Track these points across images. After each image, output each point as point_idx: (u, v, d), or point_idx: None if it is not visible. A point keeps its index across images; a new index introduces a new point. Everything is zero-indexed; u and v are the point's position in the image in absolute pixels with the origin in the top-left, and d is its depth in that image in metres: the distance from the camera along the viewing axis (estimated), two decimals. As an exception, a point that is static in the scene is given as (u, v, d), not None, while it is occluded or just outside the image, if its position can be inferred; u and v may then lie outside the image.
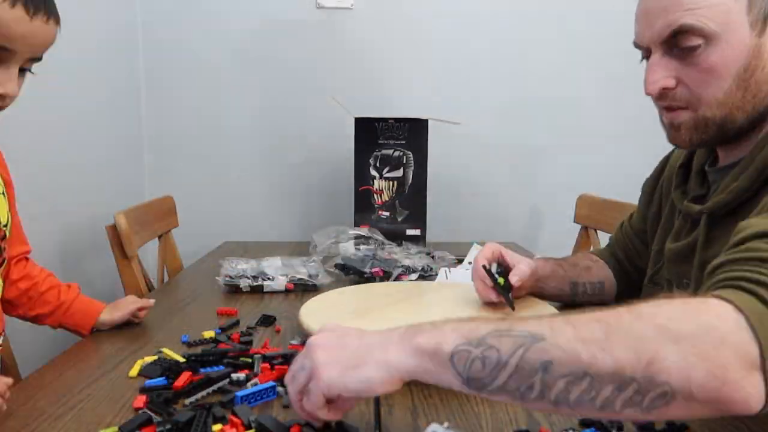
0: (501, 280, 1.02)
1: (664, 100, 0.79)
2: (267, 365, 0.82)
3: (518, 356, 0.53)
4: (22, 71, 0.82)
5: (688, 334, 0.50)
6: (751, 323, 0.50)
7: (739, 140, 0.79)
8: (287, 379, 0.64)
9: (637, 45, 0.82)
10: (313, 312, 0.98)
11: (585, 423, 0.69)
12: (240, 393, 0.72)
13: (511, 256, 1.07)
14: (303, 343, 0.87)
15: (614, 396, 0.51)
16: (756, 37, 0.73)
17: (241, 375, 0.77)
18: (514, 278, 1.02)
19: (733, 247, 0.61)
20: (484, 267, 1.03)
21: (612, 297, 1.12)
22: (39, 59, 0.84)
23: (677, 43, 0.75)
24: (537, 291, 1.09)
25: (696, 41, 0.74)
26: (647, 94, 0.79)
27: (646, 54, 0.80)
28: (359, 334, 0.62)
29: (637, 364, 0.50)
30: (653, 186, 1.03)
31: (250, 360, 0.84)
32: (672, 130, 0.81)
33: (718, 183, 0.82)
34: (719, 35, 0.73)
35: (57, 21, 0.84)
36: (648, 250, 1.02)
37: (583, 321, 0.53)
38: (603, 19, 2.05)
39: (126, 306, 1.07)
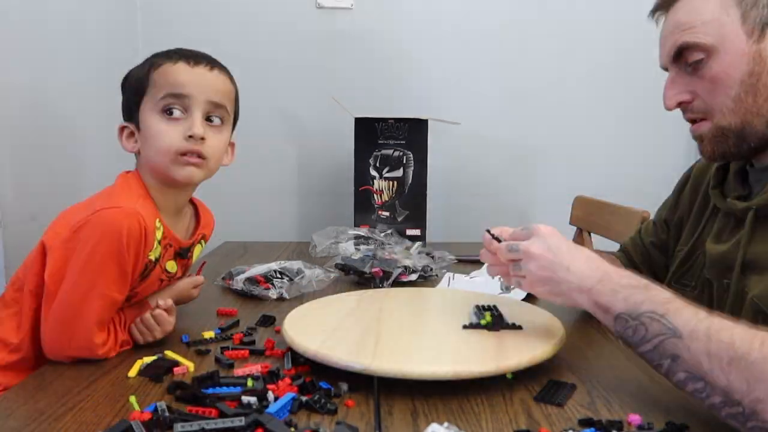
0: (487, 318, 0.91)
1: (685, 113, 0.87)
2: (282, 382, 0.79)
3: (657, 341, 0.67)
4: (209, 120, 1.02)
5: None
6: None
7: (765, 150, 0.83)
8: (504, 249, 0.83)
9: (662, 67, 0.90)
10: (296, 324, 0.94)
11: (585, 423, 0.69)
12: (270, 410, 0.69)
13: None
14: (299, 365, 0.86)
15: (720, 406, 0.62)
16: (755, 44, 0.78)
17: (252, 398, 0.73)
18: None
19: None
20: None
21: None
22: (221, 107, 1.03)
23: (686, 60, 0.84)
24: None
25: (699, 55, 0.81)
26: (666, 109, 0.87)
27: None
28: (565, 266, 0.78)
29: (746, 396, 0.59)
30: (676, 200, 1.06)
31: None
32: (698, 143, 0.87)
33: (762, 182, 0.85)
34: (717, 47, 0.80)
35: (224, 72, 1.04)
36: (665, 259, 1.07)
37: (718, 337, 0.62)
38: (603, 21, 2.05)
39: (178, 289, 1.07)
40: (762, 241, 0.81)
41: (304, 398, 0.73)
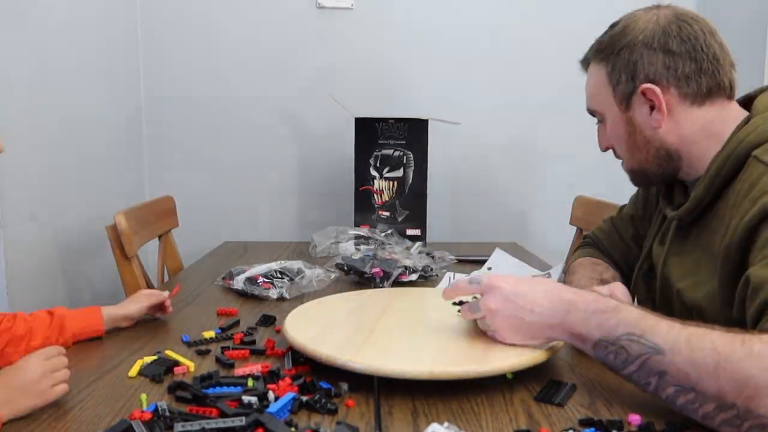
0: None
1: (614, 154, 0.99)
2: (286, 381, 0.79)
3: (641, 361, 0.68)
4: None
5: None
6: None
7: (682, 174, 0.93)
8: (467, 310, 0.85)
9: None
10: (297, 323, 0.94)
11: (585, 423, 0.69)
12: (270, 409, 0.69)
13: None
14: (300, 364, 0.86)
15: (714, 414, 0.63)
16: (624, 112, 0.92)
17: (252, 398, 0.73)
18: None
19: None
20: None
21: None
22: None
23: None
24: None
25: (599, 117, 0.98)
26: (601, 150, 1.02)
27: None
28: (529, 308, 0.78)
29: (738, 396, 0.61)
30: (646, 195, 1.11)
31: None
32: (628, 175, 1.00)
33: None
34: (603, 114, 0.96)
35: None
36: (635, 248, 1.11)
37: (699, 345, 0.64)
38: (604, 21, 2.05)
39: (139, 299, 1.05)
40: (674, 253, 0.92)
41: (304, 398, 0.73)
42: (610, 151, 1.00)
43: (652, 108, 0.89)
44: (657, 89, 0.87)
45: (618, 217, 1.18)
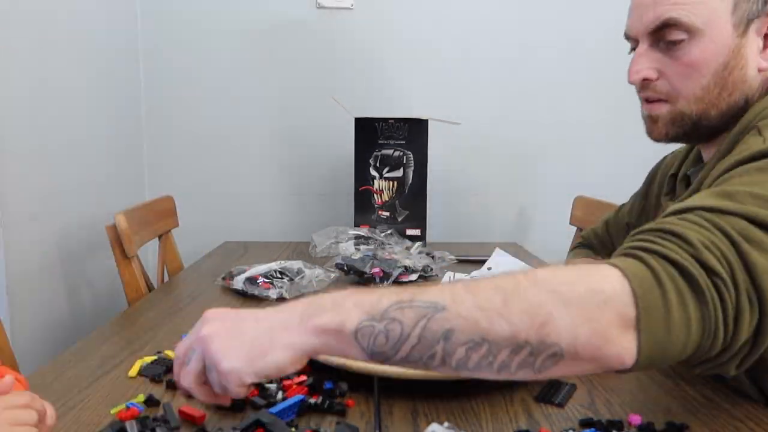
0: None
1: (645, 90, 0.82)
2: (291, 382, 0.78)
3: (420, 327, 0.55)
4: None
5: (576, 298, 0.54)
6: (632, 287, 0.54)
7: (713, 138, 0.81)
8: (176, 370, 0.63)
9: (627, 36, 0.84)
10: None
11: (585, 423, 0.69)
12: (273, 410, 0.69)
13: None
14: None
15: (510, 359, 0.55)
16: (738, 37, 0.75)
17: (272, 386, 0.74)
18: None
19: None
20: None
21: None
22: None
23: (663, 36, 0.78)
24: None
25: (680, 35, 0.76)
26: (630, 82, 0.83)
27: (634, 45, 0.83)
28: (253, 317, 0.61)
29: (531, 328, 0.54)
30: (642, 198, 1.06)
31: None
32: (650, 122, 0.84)
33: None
34: (703, 31, 0.75)
35: None
36: None
37: (483, 288, 0.56)
38: (602, 20, 2.05)
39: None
40: None
41: (312, 400, 0.73)
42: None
43: (764, 44, 0.75)
44: None
45: (614, 221, 1.14)
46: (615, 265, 0.56)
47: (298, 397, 0.73)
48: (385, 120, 1.80)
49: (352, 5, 2.03)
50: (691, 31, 0.76)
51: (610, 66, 2.07)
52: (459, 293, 0.56)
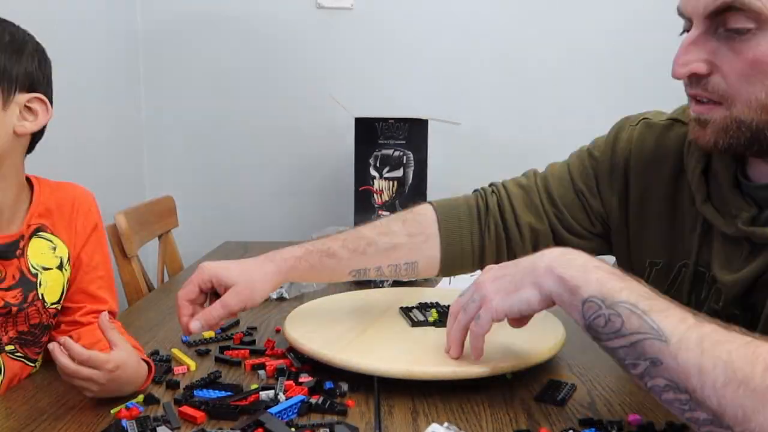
0: (433, 316, 0.92)
1: (694, 87, 0.67)
2: (291, 382, 0.78)
3: (636, 339, 0.57)
4: None
5: None
6: None
7: None
8: (455, 310, 0.74)
9: (680, 13, 0.68)
10: (298, 322, 0.94)
11: (585, 423, 0.69)
12: (273, 410, 0.69)
13: (226, 287, 0.86)
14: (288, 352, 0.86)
15: (705, 423, 0.54)
16: None
17: (270, 393, 0.73)
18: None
19: None
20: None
21: (434, 273, 0.94)
22: None
23: (724, 22, 0.63)
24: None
25: (748, 24, 0.61)
26: (674, 77, 0.67)
27: (688, 26, 0.68)
28: (515, 262, 0.69)
29: (741, 424, 0.51)
30: (609, 165, 0.88)
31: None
32: (697, 126, 0.69)
33: None
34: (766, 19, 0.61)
35: None
36: (597, 230, 0.88)
37: (713, 352, 0.53)
38: (604, 19, 2.05)
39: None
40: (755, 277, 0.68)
41: (313, 400, 0.73)
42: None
43: None
44: None
45: (557, 179, 0.93)
46: None
47: (298, 397, 0.73)
48: (385, 120, 1.80)
49: (352, 5, 2.03)
50: (762, 20, 0.61)
51: (611, 66, 2.08)
52: (689, 340, 0.54)
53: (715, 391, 0.52)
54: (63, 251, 0.88)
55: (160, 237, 1.69)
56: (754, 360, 0.52)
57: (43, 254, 0.86)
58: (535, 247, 0.86)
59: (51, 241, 0.87)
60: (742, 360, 0.52)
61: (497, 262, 0.83)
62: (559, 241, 0.89)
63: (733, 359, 0.52)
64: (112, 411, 0.72)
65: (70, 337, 0.72)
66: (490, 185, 1.00)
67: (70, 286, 0.89)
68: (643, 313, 0.57)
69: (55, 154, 1.53)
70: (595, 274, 0.61)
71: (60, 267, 0.88)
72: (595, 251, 0.81)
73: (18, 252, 0.83)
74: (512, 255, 0.90)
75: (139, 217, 1.51)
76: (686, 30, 0.68)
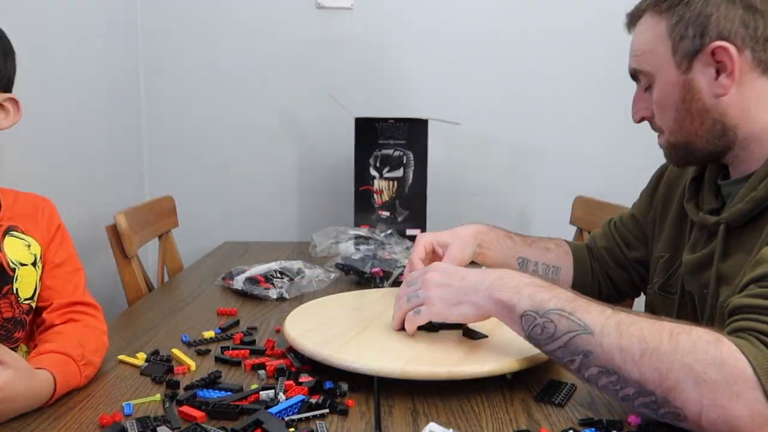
0: None
1: (651, 125, 0.91)
2: (291, 382, 0.78)
3: (568, 338, 0.68)
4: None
5: (710, 381, 0.59)
6: (762, 382, 0.58)
7: (723, 157, 0.85)
8: (401, 294, 0.87)
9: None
10: (298, 321, 0.94)
11: (585, 423, 0.69)
12: (273, 410, 0.69)
13: (444, 246, 1.09)
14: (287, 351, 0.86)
15: (634, 397, 0.64)
16: (683, 74, 0.82)
17: (270, 392, 0.74)
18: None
19: (754, 282, 0.67)
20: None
21: (567, 284, 1.12)
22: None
23: (640, 81, 0.90)
24: (478, 257, 1.11)
25: (645, 80, 0.88)
26: (634, 122, 0.93)
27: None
28: (460, 276, 0.81)
29: (658, 386, 0.62)
30: (651, 195, 1.07)
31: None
32: (663, 150, 0.91)
33: (733, 195, 0.85)
34: (654, 75, 0.85)
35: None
36: (640, 254, 1.07)
37: (628, 332, 0.65)
38: (603, 19, 2.05)
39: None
40: (731, 254, 0.81)
41: (313, 400, 0.73)
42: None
43: (717, 72, 0.79)
44: (732, 49, 0.77)
45: (620, 220, 1.13)
46: (743, 352, 0.60)
47: (298, 397, 0.73)
48: (385, 120, 1.80)
49: (352, 5, 2.03)
50: (648, 76, 0.86)
51: (611, 66, 2.07)
52: (609, 327, 0.66)
53: (635, 363, 0.63)
54: (36, 249, 0.91)
55: (160, 237, 1.69)
56: (660, 330, 0.64)
57: (18, 251, 0.89)
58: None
59: (24, 240, 0.90)
60: (651, 333, 0.64)
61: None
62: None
63: (645, 334, 0.64)
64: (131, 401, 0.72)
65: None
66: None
67: (42, 284, 0.91)
68: (569, 314, 0.68)
69: (55, 154, 1.53)
70: (527, 291, 0.73)
71: (34, 264, 0.90)
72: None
73: None
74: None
75: (139, 217, 1.51)
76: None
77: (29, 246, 0.90)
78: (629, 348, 0.63)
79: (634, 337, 0.64)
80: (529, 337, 0.72)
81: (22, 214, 0.93)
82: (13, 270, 0.87)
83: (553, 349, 0.69)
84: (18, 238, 0.90)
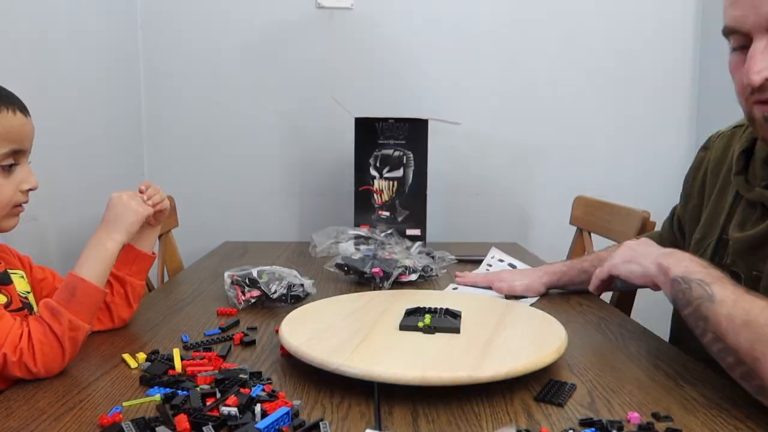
0: (426, 321, 0.91)
1: (762, 92, 0.72)
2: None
3: (695, 305, 0.75)
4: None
5: None
6: None
7: None
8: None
9: (731, 30, 0.74)
10: (294, 325, 0.93)
11: (585, 423, 0.69)
12: (259, 425, 0.65)
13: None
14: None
15: (732, 366, 0.70)
16: None
17: (232, 409, 0.68)
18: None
19: None
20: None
21: None
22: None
23: None
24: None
25: None
26: (749, 85, 0.72)
27: (741, 42, 0.74)
28: (644, 245, 0.92)
29: (748, 355, 0.67)
30: (690, 181, 1.06)
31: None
32: (766, 125, 0.75)
33: None
34: None
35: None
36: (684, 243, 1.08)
37: (741, 304, 0.69)
38: (604, 21, 2.05)
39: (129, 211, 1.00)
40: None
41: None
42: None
43: None
44: None
45: (667, 228, 1.15)
46: None
47: (284, 409, 0.68)
48: (385, 120, 1.80)
49: (352, 5, 2.03)
50: None
51: (611, 65, 2.08)
52: (728, 297, 0.71)
53: (735, 333, 0.68)
54: (26, 278, 0.99)
55: (160, 237, 1.69)
56: (763, 307, 0.68)
57: (20, 283, 0.97)
58: None
59: (17, 273, 0.98)
60: (759, 307, 0.68)
61: None
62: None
63: (753, 308, 0.68)
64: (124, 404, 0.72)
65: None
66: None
67: (37, 294, 1.00)
68: (707, 284, 0.74)
69: (55, 154, 1.53)
70: (685, 263, 0.80)
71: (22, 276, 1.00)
72: None
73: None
74: None
75: (139, 217, 1.51)
76: (736, 47, 0.76)
77: (23, 277, 0.98)
78: (735, 317, 0.68)
79: (743, 309, 0.68)
80: (674, 300, 0.80)
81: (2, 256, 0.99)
82: (26, 298, 0.95)
83: (687, 314, 0.76)
84: (13, 273, 0.97)
